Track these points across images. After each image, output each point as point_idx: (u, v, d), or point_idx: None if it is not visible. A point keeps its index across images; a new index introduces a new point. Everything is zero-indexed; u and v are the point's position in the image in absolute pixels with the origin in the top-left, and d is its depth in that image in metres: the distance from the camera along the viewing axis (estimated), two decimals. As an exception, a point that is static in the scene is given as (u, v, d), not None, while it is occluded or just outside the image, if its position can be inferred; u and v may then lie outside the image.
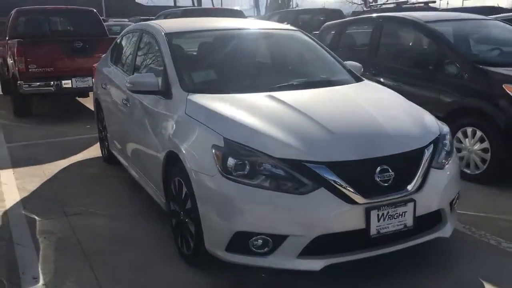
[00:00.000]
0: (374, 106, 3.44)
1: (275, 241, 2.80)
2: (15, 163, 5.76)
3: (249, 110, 3.23)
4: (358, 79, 4.13)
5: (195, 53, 4.20)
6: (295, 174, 2.79)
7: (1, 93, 11.11)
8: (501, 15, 8.76)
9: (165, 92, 3.68)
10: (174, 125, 3.39)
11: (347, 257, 2.86)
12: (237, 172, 2.82)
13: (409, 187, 2.94)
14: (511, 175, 4.80)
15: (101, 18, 9.25)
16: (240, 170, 2.83)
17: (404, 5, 11.90)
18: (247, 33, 4.45)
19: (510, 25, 6.01)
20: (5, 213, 4.30)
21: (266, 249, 2.82)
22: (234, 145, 2.89)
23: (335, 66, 4.27)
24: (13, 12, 9.05)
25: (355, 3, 42.83)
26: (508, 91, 4.58)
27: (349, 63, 4.44)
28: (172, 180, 3.37)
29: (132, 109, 4.25)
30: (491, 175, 4.75)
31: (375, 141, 3.02)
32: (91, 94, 7.69)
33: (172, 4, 42.68)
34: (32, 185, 4.99)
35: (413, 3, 13.39)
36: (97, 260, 3.45)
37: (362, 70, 4.49)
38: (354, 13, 15.76)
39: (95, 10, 9.34)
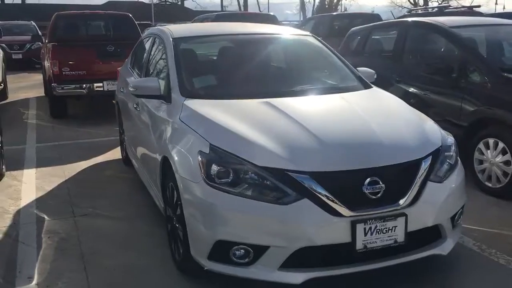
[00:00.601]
0: (374, 115, 3.32)
1: (256, 251, 2.74)
2: (40, 163, 5.94)
3: (241, 116, 3.19)
4: (367, 86, 4.00)
5: (201, 58, 4.20)
6: (278, 184, 2.72)
7: (44, 94, 11.53)
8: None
9: (167, 97, 3.69)
10: (170, 130, 3.39)
11: (330, 272, 2.76)
12: (220, 179, 2.78)
13: (401, 201, 2.81)
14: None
15: (136, 22, 9.41)
16: (223, 177, 2.78)
17: (447, 10, 11.48)
18: (256, 38, 4.40)
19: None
20: (18, 211, 4.43)
21: (247, 259, 2.76)
22: (219, 152, 2.86)
23: (344, 72, 4.16)
24: (53, 16, 9.38)
25: (405, 7, 41.95)
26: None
27: (362, 69, 4.32)
28: (167, 185, 3.37)
29: (140, 113, 4.30)
30: (513, 190, 4.49)
31: (367, 151, 2.91)
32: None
33: (219, 8, 43.20)
34: (50, 185, 5.12)
35: (456, 8, 12.90)
36: (92, 261, 3.49)
37: (375, 76, 4.35)
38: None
39: (130, 15, 9.54)
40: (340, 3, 48.21)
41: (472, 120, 4.81)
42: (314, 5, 47.98)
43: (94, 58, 8.16)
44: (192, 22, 11.05)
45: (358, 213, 2.72)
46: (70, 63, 8.03)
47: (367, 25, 7.11)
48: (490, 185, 4.64)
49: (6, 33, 18.09)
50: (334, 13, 11.67)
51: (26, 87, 12.64)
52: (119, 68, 6.19)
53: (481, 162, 4.72)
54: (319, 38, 4.58)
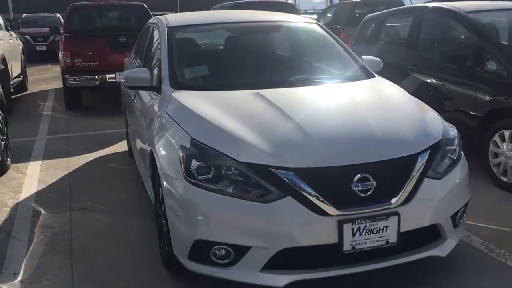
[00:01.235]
0: (370, 107, 3.12)
1: (237, 252, 2.59)
2: (46, 155, 5.91)
3: (228, 109, 3.03)
4: (369, 76, 3.78)
5: (196, 48, 4.05)
6: (260, 181, 2.56)
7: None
8: None
9: (157, 88, 3.56)
10: (157, 123, 3.26)
11: (316, 274, 2.59)
12: (200, 175, 2.63)
13: (394, 200, 2.61)
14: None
15: (150, 12, 9.31)
16: (204, 173, 2.63)
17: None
18: (255, 27, 4.21)
19: None
20: (16, 205, 4.39)
21: (227, 260, 2.62)
22: (200, 146, 2.71)
23: (346, 61, 3.94)
24: (68, 7, 9.35)
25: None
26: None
27: (367, 58, 4.10)
28: (156, 180, 3.25)
29: (136, 105, 4.19)
30: (529, 185, 4.22)
31: (357, 146, 2.71)
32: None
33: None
34: (52, 178, 5.08)
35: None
36: (80, 258, 3.41)
37: (382, 65, 4.11)
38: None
39: (145, 5, 9.43)
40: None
41: (487, 110, 4.53)
42: (341, -8, 47.08)
43: (106, 49, 8.10)
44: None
45: (346, 212, 2.54)
46: (82, 54, 7.99)
47: (382, 11, 6.82)
48: (505, 179, 4.36)
49: (32, 25, 18.37)
50: (356, 0, 11.24)
51: (48, 78, 12.75)
52: (125, 59, 6.10)
53: (496, 155, 4.45)
54: (323, 26, 4.36)
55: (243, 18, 4.42)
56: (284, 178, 2.53)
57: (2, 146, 5.12)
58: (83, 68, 7.99)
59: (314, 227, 2.53)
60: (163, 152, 2.95)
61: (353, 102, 3.19)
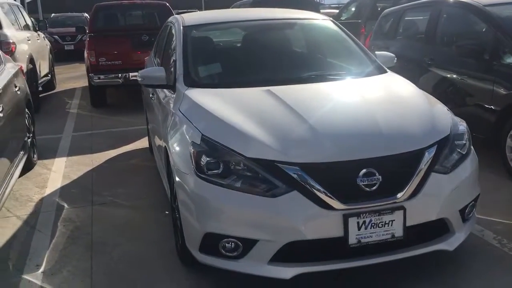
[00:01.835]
0: (380, 102, 3.16)
1: (245, 245, 2.67)
2: (71, 152, 6.11)
3: (238, 106, 3.11)
4: (381, 71, 3.80)
5: (211, 46, 4.13)
6: (267, 176, 2.63)
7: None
8: None
9: (172, 86, 3.66)
10: (171, 121, 3.37)
11: (321, 267, 2.65)
12: (210, 171, 2.72)
13: (399, 194, 2.65)
14: None
15: (173, 11, 9.45)
16: (214, 169, 2.72)
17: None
18: (269, 24, 4.28)
19: None
20: (41, 200, 4.57)
21: (236, 253, 2.70)
22: (210, 143, 2.80)
23: (358, 57, 3.97)
24: (93, 7, 9.57)
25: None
26: None
27: (380, 53, 4.12)
28: (171, 176, 3.35)
29: (154, 103, 4.30)
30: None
31: (364, 141, 2.76)
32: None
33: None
34: (76, 174, 5.26)
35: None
36: (99, 251, 3.54)
37: (395, 60, 4.12)
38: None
39: (167, 4, 9.58)
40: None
41: (504, 104, 4.49)
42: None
43: (130, 48, 8.28)
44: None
45: (351, 206, 2.59)
46: (106, 53, 8.18)
47: (400, 6, 6.78)
48: (523, 174, 4.33)
49: (60, 25, 18.82)
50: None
51: (75, 77, 13.04)
52: (146, 58, 6.23)
53: (513, 150, 4.42)
54: (337, 23, 4.39)
55: (256, 16, 4.49)
56: (290, 173, 2.60)
57: (29, 143, 5.32)
58: (107, 67, 8.18)
59: (319, 221, 2.59)
60: (176, 149, 3.05)
61: (361, 98, 3.23)
